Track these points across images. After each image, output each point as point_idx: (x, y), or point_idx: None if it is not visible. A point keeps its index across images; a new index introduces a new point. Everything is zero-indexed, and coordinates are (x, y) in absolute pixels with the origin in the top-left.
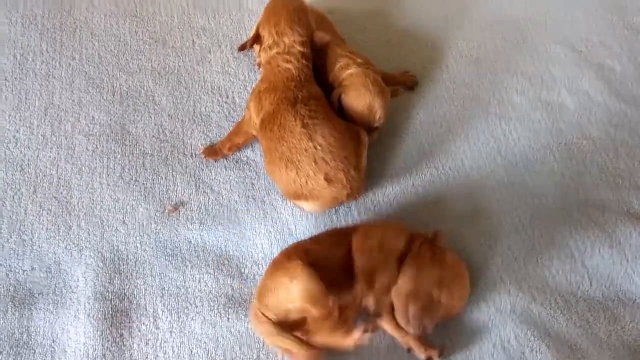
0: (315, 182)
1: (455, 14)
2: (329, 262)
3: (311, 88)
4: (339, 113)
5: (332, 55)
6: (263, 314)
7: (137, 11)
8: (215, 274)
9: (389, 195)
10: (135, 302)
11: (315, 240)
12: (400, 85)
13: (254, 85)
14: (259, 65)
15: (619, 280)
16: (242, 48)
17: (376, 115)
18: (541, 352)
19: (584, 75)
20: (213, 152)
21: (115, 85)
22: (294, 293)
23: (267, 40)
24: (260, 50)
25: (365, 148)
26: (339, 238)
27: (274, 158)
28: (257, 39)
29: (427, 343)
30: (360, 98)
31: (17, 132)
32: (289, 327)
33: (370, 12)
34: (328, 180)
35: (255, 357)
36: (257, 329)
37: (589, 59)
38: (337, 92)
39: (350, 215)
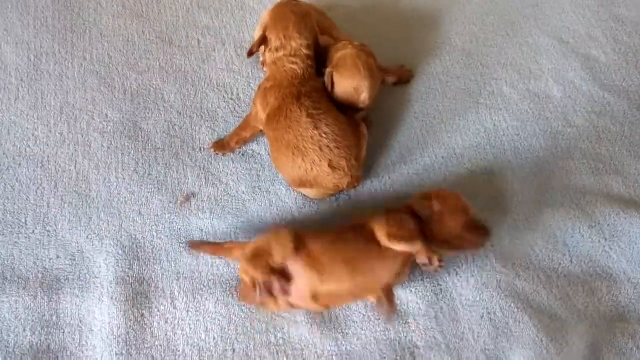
0: (320, 168)
1: (449, 8)
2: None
3: (314, 83)
4: (330, 91)
5: (331, 44)
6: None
7: (143, 11)
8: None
9: (385, 183)
10: (153, 285)
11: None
12: (396, 79)
13: (257, 82)
14: (263, 64)
15: (597, 257)
16: (250, 53)
17: (361, 95)
18: (524, 322)
19: (570, 65)
20: (221, 146)
21: (125, 84)
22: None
23: (274, 43)
24: (265, 51)
25: (365, 140)
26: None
27: (280, 147)
28: (263, 40)
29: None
30: (349, 77)
31: (36, 130)
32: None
33: (368, 8)
34: (332, 167)
35: (264, 330)
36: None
37: (575, 50)
38: (330, 70)
39: (350, 202)
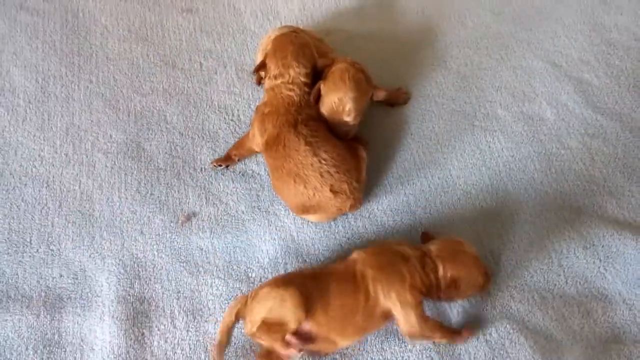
0: (322, 193)
1: (444, 32)
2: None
3: (309, 110)
4: (316, 103)
5: (328, 64)
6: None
7: (147, 35)
8: (225, 278)
9: (382, 203)
10: (154, 304)
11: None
12: (388, 96)
13: (257, 103)
14: (258, 82)
15: (592, 277)
16: (259, 82)
17: (345, 106)
18: (519, 343)
19: (563, 88)
20: (222, 159)
21: (129, 105)
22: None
23: (273, 70)
24: (265, 77)
25: (364, 162)
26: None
27: (281, 175)
28: (262, 66)
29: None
30: (334, 88)
31: (42, 150)
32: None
33: (365, 32)
34: (333, 191)
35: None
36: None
37: (568, 73)
38: (318, 83)
39: (347, 222)
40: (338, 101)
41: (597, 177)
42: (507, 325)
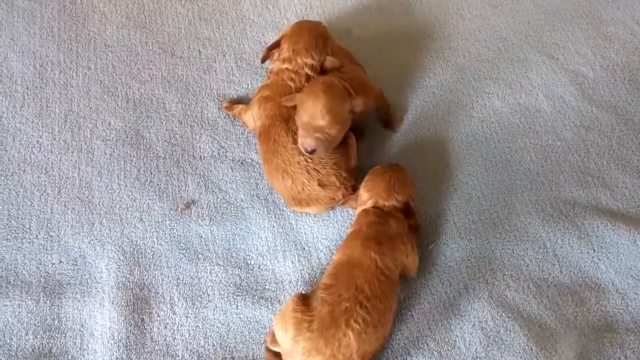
0: (311, 188)
1: (442, 24)
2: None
3: None
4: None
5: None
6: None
7: (146, 22)
8: (224, 265)
9: None
10: (153, 290)
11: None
12: (387, 123)
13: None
14: (263, 60)
15: (586, 267)
16: (264, 59)
17: (319, 109)
18: (514, 331)
19: (560, 81)
20: (229, 108)
21: (128, 93)
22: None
23: (284, 53)
24: (274, 59)
25: (353, 149)
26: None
27: (271, 169)
28: (276, 46)
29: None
30: (308, 98)
31: (40, 137)
32: None
33: (362, 23)
34: (322, 185)
35: (262, 341)
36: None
37: (565, 66)
38: (295, 94)
39: (346, 210)
40: (312, 105)
41: (592, 168)
42: (503, 314)
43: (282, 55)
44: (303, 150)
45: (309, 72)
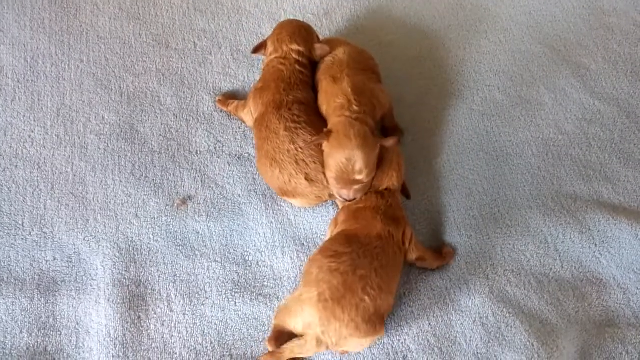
0: (297, 180)
1: (442, 14)
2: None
3: (299, 93)
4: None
5: (336, 86)
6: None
7: (140, 14)
8: (222, 262)
9: None
10: (150, 287)
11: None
12: (388, 130)
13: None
14: (254, 51)
15: (588, 262)
16: (254, 50)
17: (355, 166)
18: (515, 327)
19: (561, 73)
20: (224, 103)
21: (122, 86)
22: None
23: (270, 48)
24: (264, 54)
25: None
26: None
27: (261, 156)
28: (262, 46)
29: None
30: (339, 148)
31: (32, 132)
32: None
33: (364, 14)
34: (309, 180)
35: (260, 339)
36: None
37: (567, 58)
38: (322, 137)
39: None
40: (346, 161)
41: (594, 162)
42: (504, 309)
43: (269, 50)
44: (341, 199)
45: (298, 58)
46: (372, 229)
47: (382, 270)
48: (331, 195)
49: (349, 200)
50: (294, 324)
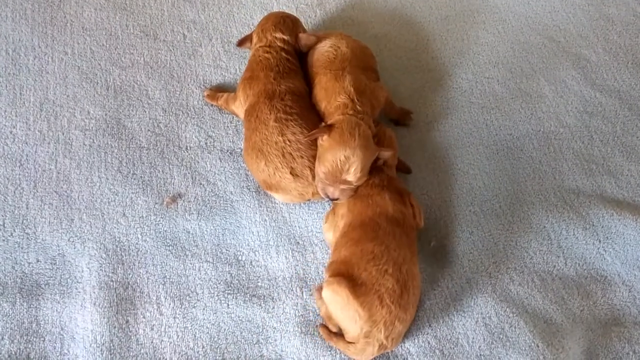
0: (282, 174)
1: (439, 5)
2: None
3: (291, 83)
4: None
5: (337, 83)
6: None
7: (126, 4)
8: (214, 262)
9: None
10: (138, 290)
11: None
12: (396, 119)
13: None
14: (239, 44)
15: (592, 259)
16: (239, 43)
17: (351, 167)
18: (519, 327)
19: (561, 64)
20: (212, 96)
21: (108, 79)
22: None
23: (254, 39)
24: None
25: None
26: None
27: (248, 147)
28: (247, 39)
29: None
30: (341, 144)
31: (14, 127)
32: None
33: (358, 4)
34: (294, 174)
35: (254, 341)
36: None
37: (567, 49)
38: (322, 131)
39: None
40: (344, 159)
41: (596, 155)
42: (507, 309)
43: (254, 41)
44: (324, 196)
45: (282, 46)
46: (384, 210)
47: (413, 257)
48: (314, 194)
49: (332, 199)
50: (351, 326)
